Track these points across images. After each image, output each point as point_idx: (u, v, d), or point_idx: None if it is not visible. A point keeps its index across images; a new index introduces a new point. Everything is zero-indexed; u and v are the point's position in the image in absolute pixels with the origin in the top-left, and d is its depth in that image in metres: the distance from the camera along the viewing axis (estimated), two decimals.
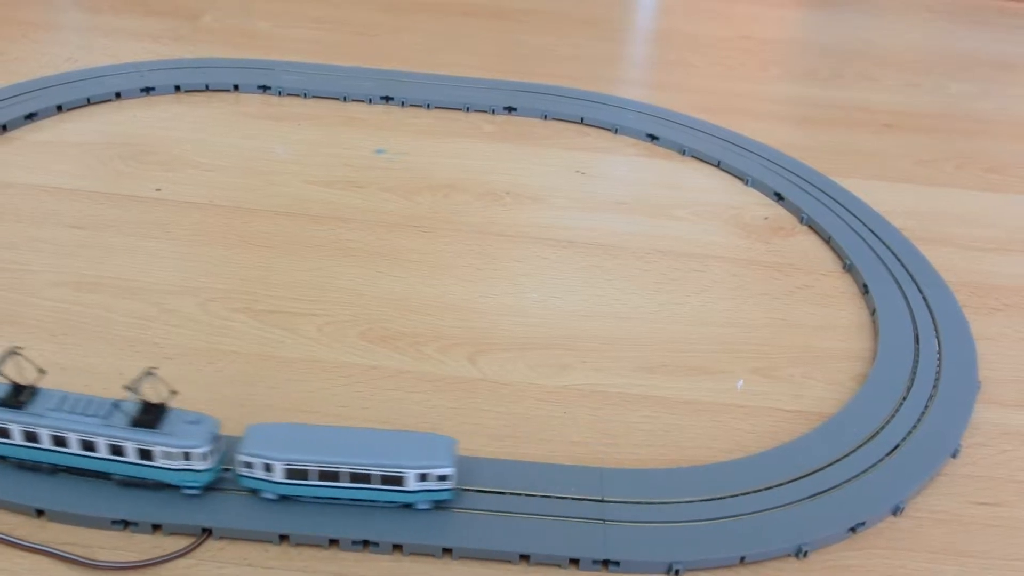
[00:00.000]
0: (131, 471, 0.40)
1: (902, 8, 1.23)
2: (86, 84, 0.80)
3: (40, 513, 0.40)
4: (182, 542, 0.40)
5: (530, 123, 0.82)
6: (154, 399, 0.40)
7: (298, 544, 0.40)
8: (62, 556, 0.38)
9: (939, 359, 0.54)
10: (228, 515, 0.40)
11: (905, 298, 0.59)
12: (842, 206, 0.70)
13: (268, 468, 0.39)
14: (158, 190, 0.67)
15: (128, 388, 0.40)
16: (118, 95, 0.79)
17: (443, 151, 0.76)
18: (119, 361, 0.50)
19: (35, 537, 0.39)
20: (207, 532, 0.40)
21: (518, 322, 0.56)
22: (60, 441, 0.40)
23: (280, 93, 0.82)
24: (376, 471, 0.39)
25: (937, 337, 0.56)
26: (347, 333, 0.54)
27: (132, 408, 0.40)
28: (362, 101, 0.82)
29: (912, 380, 0.52)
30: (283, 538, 0.40)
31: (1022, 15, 1.24)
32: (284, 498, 0.40)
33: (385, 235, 0.64)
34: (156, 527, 0.40)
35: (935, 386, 0.52)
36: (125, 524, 0.40)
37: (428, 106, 0.82)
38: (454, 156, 0.75)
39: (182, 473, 0.40)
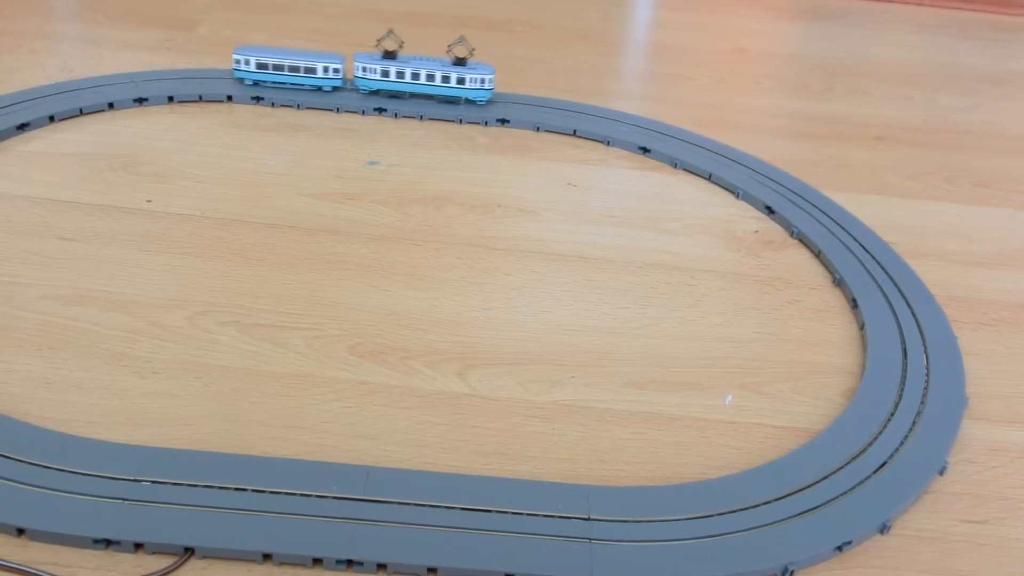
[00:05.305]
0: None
1: (894, 22, 1.24)
2: (79, 94, 0.80)
3: (21, 532, 0.40)
4: (164, 561, 0.39)
5: (523, 135, 0.82)
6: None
7: (282, 563, 0.40)
8: None
9: (927, 374, 0.54)
10: (211, 534, 0.40)
11: (894, 312, 0.60)
12: (832, 220, 0.71)
13: None
14: (149, 201, 0.67)
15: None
16: (111, 105, 0.79)
17: (436, 163, 0.76)
18: (106, 375, 0.50)
19: (15, 557, 0.39)
20: (190, 551, 0.40)
21: (508, 337, 0.56)
22: None
23: (273, 104, 0.82)
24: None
25: (925, 352, 0.56)
26: (336, 347, 0.54)
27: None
28: (355, 112, 0.82)
29: (900, 396, 0.52)
30: (267, 557, 0.40)
31: (1013, 29, 1.25)
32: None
33: (376, 248, 0.64)
34: (138, 546, 0.40)
35: (923, 402, 0.52)
36: (107, 543, 0.40)
37: (421, 118, 0.82)
38: (447, 168, 0.75)
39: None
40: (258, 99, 0.83)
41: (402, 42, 0.77)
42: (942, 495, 0.47)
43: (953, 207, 0.76)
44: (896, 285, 0.63)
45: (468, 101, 0.82)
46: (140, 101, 0.81)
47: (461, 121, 0.82)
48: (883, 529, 0.44)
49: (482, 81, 0.80)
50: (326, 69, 0.80)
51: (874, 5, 1.29)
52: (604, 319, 0.58)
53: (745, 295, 0.62)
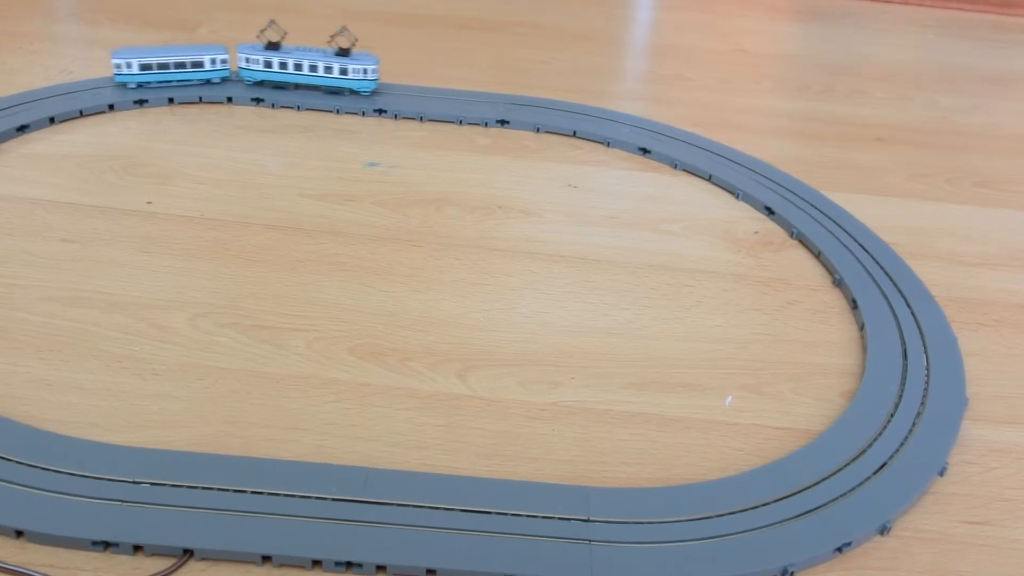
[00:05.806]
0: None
1: (894, 22, 1.24)
2: (79, 96, 0.80)
3: (19, 534, 0.40)
4: (163, 563, 0.39)
5: (523, 136, 0.82)
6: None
7: (281, 565, 0.40)
8: None
9: (927, 375, 0.54)
10: (210, 536, 0.40)
11: (894, 313, 0.60)
12: (832, 220, 0.71)
13: None
14: (149, 203, 0.67)
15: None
16: (111, 107, 0.80)
17: (436, 164, 0.76)
18: (106, 377, 0.50)
19: (14, 559, 0.39)
20: (189, 553, 0.40)
21: (508, 338, 0.56)
22: None
23: (273, 105, 0.82)
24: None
25: (925, 353, 0.56)
26: (336, 349, 0.54)
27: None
28: (355, 114, 0.82)
29: (900, 397, 0.52)
30: (266, 559, 0.40)
31: (1013, 29, 1.25)
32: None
33: (376, 249, 0.64)
34: (137, 548, 0.40)
35: (923, 403, 0.52)
36: (106, 545, 0.40)
37: (421, 119, 0.82)
38: (447, 169, 0.75)
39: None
40: (258, 100, 0.83)
41: (285, 32, 0.77)
42: (942, 496, 0.47)
43: (953, 208, 0.76)
44: (896, 286, 0.62)
45: (352, 92, 0.82)
46: (140, 103, 0.81)
47: (461, 122, 0.82)
48: (883, 530, 0.44)
49: (365, 71, 0.80)
50: (213, 61, 0.81)
51: (874, 5, 1.29)
52: (604, 320, 0.58)
53: (745, 296, 0.62)
